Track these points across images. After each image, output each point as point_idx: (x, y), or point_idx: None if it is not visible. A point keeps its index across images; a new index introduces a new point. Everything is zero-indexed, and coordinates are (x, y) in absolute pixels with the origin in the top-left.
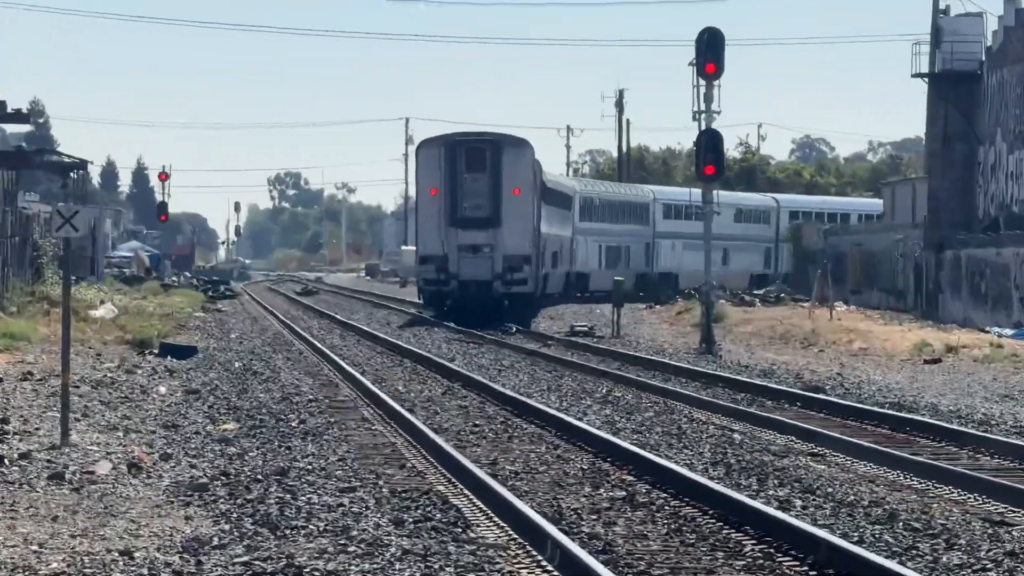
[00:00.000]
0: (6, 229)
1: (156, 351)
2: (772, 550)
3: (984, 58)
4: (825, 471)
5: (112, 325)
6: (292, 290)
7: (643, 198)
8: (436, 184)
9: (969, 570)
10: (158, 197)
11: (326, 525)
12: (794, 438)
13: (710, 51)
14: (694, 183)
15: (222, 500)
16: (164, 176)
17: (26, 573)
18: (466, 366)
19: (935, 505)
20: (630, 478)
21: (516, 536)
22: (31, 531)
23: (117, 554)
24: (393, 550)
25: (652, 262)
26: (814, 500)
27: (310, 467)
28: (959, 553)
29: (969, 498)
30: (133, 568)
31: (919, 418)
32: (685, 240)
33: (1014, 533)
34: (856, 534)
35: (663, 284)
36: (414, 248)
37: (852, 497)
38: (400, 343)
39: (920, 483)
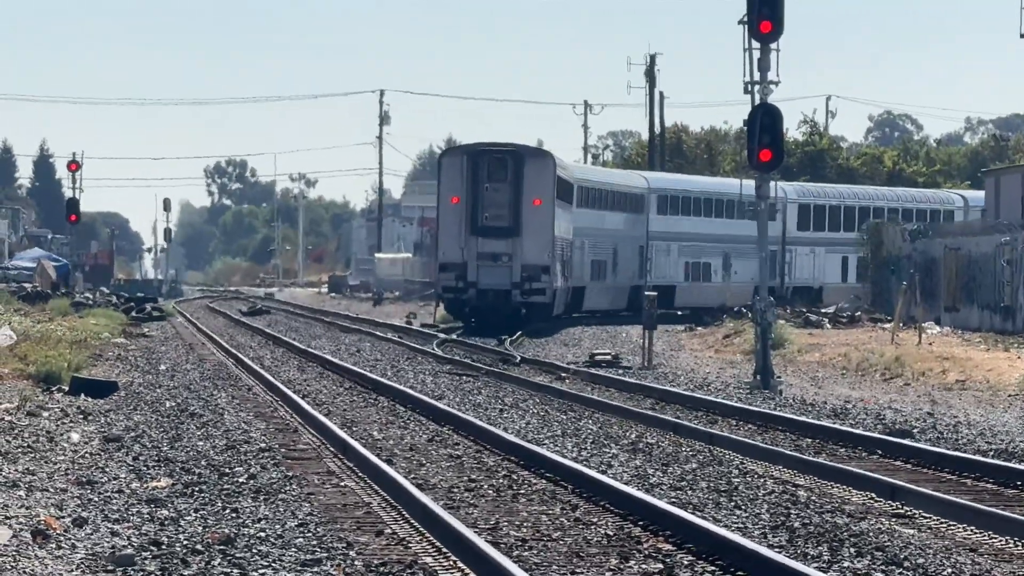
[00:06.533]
0: None
1: (66, 388)
2: None
3: None
4: (914, 537)
5: (9, 355)
6: (237, 309)
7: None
8: (458, 192)
9: None
10: (67, 192)
11: None
12: (874, 495)
13: (765, 5)
14: (745, 172)
15: None
16: (74, 166)
17: None
18: (458, 405)
19: None
20: (668, 547)
21: None
22: None
23: None
24: None
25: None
26: (901, 574)
27: (263, 534)
28: None
29: None
30: None
31: None
32: (826, 247)
33: None
34: None
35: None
36: (394, 256)
37: (949, 570)
38: (375, 376)
39: None
